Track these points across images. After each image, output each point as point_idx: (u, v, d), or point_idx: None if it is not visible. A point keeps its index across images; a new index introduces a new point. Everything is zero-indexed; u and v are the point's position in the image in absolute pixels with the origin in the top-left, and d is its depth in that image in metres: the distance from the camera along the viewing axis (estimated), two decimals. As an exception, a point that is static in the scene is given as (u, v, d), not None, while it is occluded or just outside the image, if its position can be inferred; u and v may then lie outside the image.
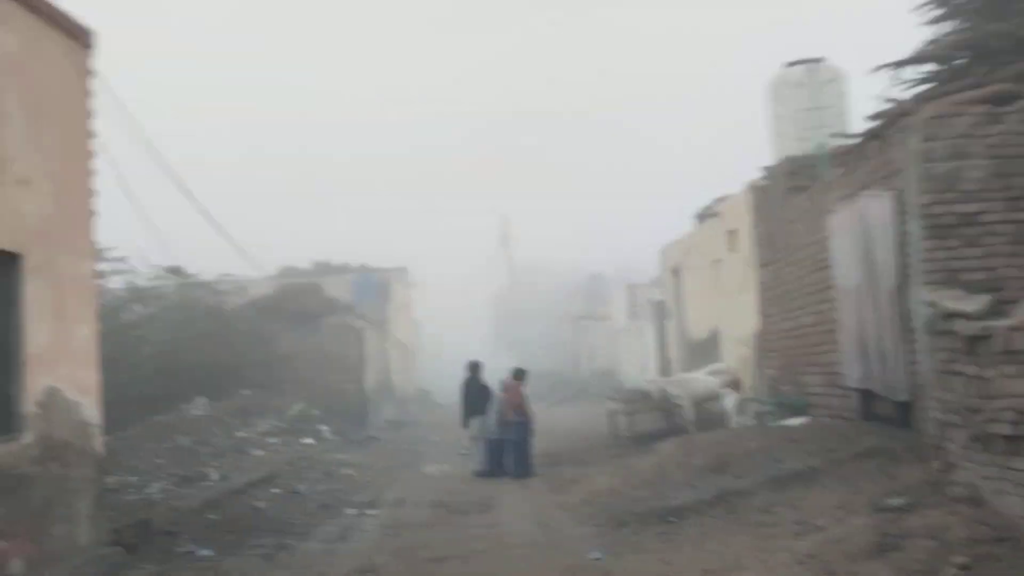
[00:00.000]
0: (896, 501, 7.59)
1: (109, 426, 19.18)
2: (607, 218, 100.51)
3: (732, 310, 16.53)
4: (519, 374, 15.86)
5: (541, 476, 14.94)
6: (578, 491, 12.78)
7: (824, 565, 6.85)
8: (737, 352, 16.43)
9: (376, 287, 32.43)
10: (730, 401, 15.26)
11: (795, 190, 13.36)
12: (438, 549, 9.39)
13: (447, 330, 56.96)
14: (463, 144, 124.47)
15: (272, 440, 20.01)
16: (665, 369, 23.14)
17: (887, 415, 10.81)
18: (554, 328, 51.81)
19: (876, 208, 10.02)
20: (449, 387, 17.18)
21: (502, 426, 15.54)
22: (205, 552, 10.03)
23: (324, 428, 21.51)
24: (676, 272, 21.60)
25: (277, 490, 14.57)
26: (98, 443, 9.10)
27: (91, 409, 8.96)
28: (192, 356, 20.97)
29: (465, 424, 16.24)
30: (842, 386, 11.67)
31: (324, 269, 32.40)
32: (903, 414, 10.26)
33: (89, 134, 9.09)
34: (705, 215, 18.00)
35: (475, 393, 16.15)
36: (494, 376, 16.62)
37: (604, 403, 30.57)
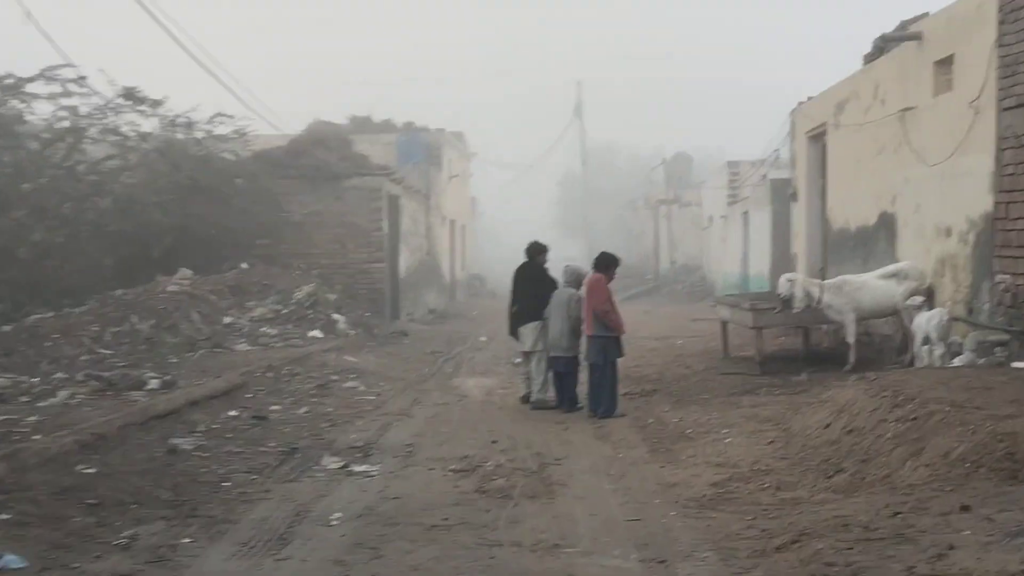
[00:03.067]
0: None
1: (47, 301, 14.84)
2: (697, 90, 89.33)
3: (928, 183, 10.95)
4: (605, 263, 10.47)
5: (628, 417, 9.92)
6: (698, 460, 7.69)
7: None
8: (933, 248, 10.91)
9: (425, 150, 27.07)
10: (927, 321, 9.86)
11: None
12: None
13: (508, 210, 51.50)
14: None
15: (267, 330, 15.41)
16: (784, 268, 17.59)
17: None
18: (629, 214, 46.08)
19: None
20: (506, 274, 11.92)
21: (573, 339, 10.41)
22: (9, 560, 5.29)
23: (339, 318, 16.74)
24: (818, 138, 15.88)
25: (235, 412, 9.85)
26: None
27: None
28: (172, 216, 16.17)
29: (514, 332, 11.08)
30: None
31: (362, 125, 27.05)
32: None
33: None
34: (890, 43, 12.10)
35: (533, 288, 10.89)
36: (557, 267, 11.28)
37: (687, 302, 25.36)
